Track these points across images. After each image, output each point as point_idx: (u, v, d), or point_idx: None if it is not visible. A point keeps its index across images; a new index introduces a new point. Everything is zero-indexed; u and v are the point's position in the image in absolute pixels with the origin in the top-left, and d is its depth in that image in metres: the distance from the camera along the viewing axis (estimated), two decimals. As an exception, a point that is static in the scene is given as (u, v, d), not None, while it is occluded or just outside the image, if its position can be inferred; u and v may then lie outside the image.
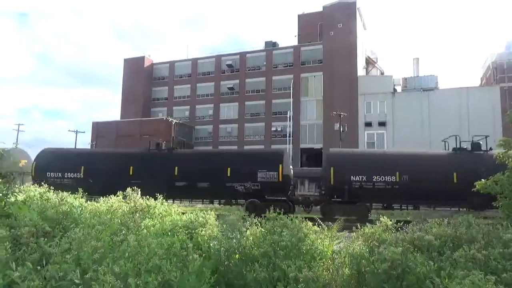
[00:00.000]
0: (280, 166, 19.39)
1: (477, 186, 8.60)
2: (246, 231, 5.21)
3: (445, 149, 20.79)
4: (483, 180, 8.50)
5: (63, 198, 6.85)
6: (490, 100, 41.51)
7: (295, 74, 51.29)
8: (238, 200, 20.23)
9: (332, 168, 18.79)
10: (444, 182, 17.22)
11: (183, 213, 7.15)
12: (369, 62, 55.95)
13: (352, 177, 18.37)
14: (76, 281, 3.29)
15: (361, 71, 50.06)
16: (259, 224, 5.53)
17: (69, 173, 21.60)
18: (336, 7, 49.23)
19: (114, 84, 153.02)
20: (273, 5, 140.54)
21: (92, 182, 20.19)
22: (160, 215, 6.93)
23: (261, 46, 57.51)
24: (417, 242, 4.61)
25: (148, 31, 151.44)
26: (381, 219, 5.38)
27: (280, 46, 55.62)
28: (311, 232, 5.22)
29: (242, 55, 55.34)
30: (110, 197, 7.99)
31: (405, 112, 43.72)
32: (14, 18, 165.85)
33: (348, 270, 4.26)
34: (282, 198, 19.37)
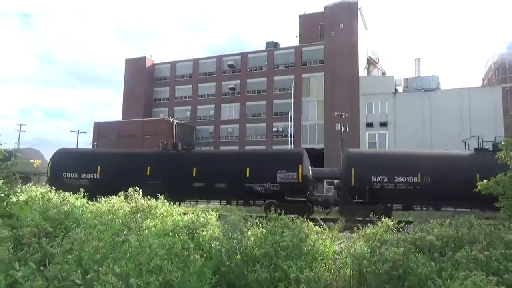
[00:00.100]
0: (300, 166, 19.18)
1: (479, 187, 8.58)
2: (247, 232, 5.21)
3: (463, 150, 20.77)
4: (484, 180, 8.48)
5: (64, 198, 6.86)
6: (492, 101, 41.42)
7: (296, 75, 51.29)
8: (256, 201, 19.95)
9: (352, 169, 18.58)
10: (467, 183, 17.04)
11: (184, 214, 7.16)
12: (371, 63, 55.90)
13: (373, 177, 18.21)
14: (78, 281, 3.29)
15: (362, 72, 50.02)
16: (260, 225, 5.53)
17: (85, 174, 21.37)
18: (338, 7, 49.22)
19: (116, 84, 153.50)
20: (274, 5, 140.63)
21: (109, 182, 20.08)
22: (161, 215, 6.93)
23: (263, 46, 57.60)
24: (419, 242, 4.60)
25: (149, 31, 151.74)
26: (382, 219, 5.37)
27: (281, 46, 55.63)
28: (312, 232, 5.22)
29: (244, 55, 55.37)
30: (112, 197, 7.99)
31: (407, 113, 43.66)
32: (17, 18, 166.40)
33: (350, 270, 4.26)
34: (302, 199, 19.14)
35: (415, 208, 18.84)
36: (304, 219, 5.74)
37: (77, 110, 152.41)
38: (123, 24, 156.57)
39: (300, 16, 56.52)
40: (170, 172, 20.34)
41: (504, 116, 39.60)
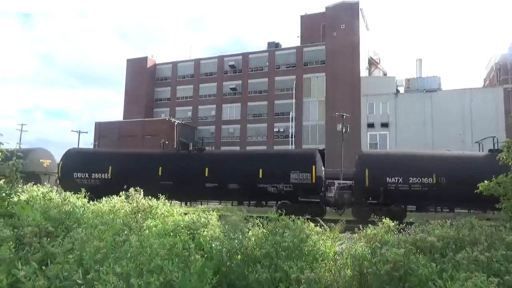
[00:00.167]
0: (314, 167, 19.07)
1: (480, 188, 8.57)
2: (248, 232, 5.21)
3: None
4: (486, 181, 8.47)
5: (65, 198, 6.87)
6: (494, 101, 41.36)
7: (297, 75, 51.30)
8: (269, 202, 19.85)
9: (366, 170, 18.43)
10: None
11: (185, 214, 7.17)
12: (372, 63, 55.88)
13: (387, 178, 18.08)
14: (79, 281, 3.30)
15: (363, 72, 50.01)
16: (261, 225, 5.53)
17: (96, 174, 21.28)
18: (339, 7, 49.22)
19: (117, 84, 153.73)
20: (275, 5, 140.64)
21: (121, 182, 20.17)
22: (162, 215, 6.94)
23: (264, 46, 57.65)
24: (420, 243, 4.60)
25: (150, 31, 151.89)
26: (383, 220, 5.37)
27: (282, 46, 55.66)
28: (313, 233, 5.22)
29: (245, 55, 55.41)
30: (113, 197, 8.00)
31: (408, 113, 43.62)
32: (18, 18, 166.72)
33: (350, 271, 4.25)
34: (316, 200, 19.05)
35: (428, 209, 18.64)
36: (305, 220, 5.73)
37: (78, 110, 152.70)
38: (124, 24, 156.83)
39: (302, 17, 56.54)
40: (182, 172, 20.22)
41: (505, 116, 39.55)
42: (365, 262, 4.13)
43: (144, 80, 58.61)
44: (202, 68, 57.81)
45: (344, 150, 34.91)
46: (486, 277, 3.32)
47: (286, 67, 52.74)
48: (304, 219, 5.63)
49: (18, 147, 6.75)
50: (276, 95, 52.22)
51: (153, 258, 3.76)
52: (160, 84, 59.92)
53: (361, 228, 5.23)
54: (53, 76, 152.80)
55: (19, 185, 6.34)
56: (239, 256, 4.66)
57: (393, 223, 5.22)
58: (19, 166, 6.13)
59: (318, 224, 5.70)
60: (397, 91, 47.33)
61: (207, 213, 6.30)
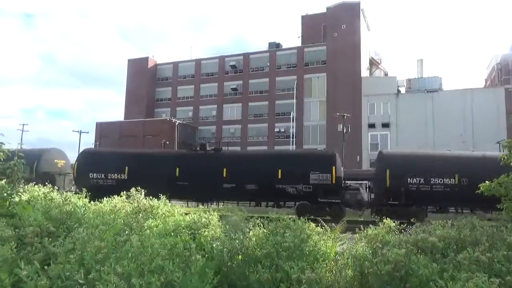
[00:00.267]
0: (334, 168, 18.86)
1: (481, 188, 8.55)
2: (249, 232, 5.21)
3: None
4: (487, 182, 8.45)
5: (67, 198, 6.88)
6: (495, 102, 41.34)
7: (298, 75, 51.31)
8: (287, 203, 19.62)
9: (388, 170, 18.22)
10: None
11: (186, 214, 7.17)
12: (373, 63, 55.87)
13: (409, 179, 17.91)
14: (80, 281, 3.31)
15: (364, 72, 50.00)
16: (262, 225, 5.53)
17: (112, 174, 21.02)
18: (340, 8, 49.23)
19: (118, 84, 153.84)
20: (276, 6, 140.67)
21: (137, 183, 20.00)
22: (163, 215, 6.94)
23: (265, 47, 57.72)
24: (421, 244, 4.59)
25: (152, 32, 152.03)
26: (384, 220, 5.36)
27: (283, 47, 55.70)
28: (314, 233, 5.21)
29: (246, 56, 55.45)
30: (114, 197, 8.00)
31: (409, 113, 43.61)
32: (20, 18, 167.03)
33: (351, 271, 4.25)
34: (337, 200, 18.84)
35: (449, 210, 18.39)
36: (305, 220, 5.72)
37: (79, 110, 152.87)
38: (126, 25, 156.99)
39: (303, 17, 56.56)
40: (199, 173, 20.00)
41: (506, 117, 39.51)
42: (366, 262, 4.12)
43: (145, 80, 58.68)
44: (203, 68, 57.86)
45: (345, 151, 34.92)
46: (487, 277, 3.32)
47: (287, 67, 52.75)
48: (305, 219, 5.63)
49: (20, 147, 6.75)
50: (277, 95, 52.23)
51: (154, 258, 3.76)
52: (161, 84, 59.98)
53: (362, 228, 5.23)
54: (55, 76, 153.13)
55: (20, 185, 6.35)
56: (240, 256, 4.66)
57: (394, 223, 5.20)
58: (20, 166, 6.14)
59: (319, 225, 5.70)
60: (398, 91, 47.31)
61: (208, 213, 6.31)
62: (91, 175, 21.21)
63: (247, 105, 53.72)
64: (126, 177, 20.75)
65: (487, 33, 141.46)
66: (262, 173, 19.53)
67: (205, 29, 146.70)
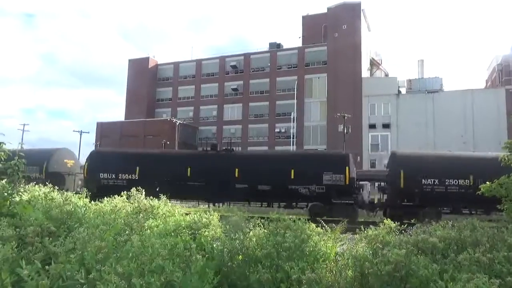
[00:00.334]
0: (347, 168, 18.79)
1: (482, 189, 8.56)
2: (249, 232, 5.21)
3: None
4: (488, 182, 8.45)
5: (67, 198, 6.89)
6: (495, 102, 41.34)
7: (299, 75, 51.32)
8: (299, 203, 19.53)
9: (402, 171, 18.10)
10: None
11: (186, 214, 7.17)
12: (374, 64, 55.87)
13: (423, 180, 17.82)
14: (81, 280, 3.31)
15: (365, 73, 50.00)
16: (262, 225, 5.53)
17: (123, 174, 20.98)
18: (341, 8, 49.24)
19: (119, 84, 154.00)
20: (277, 6, 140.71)
21: (148, 183, 19.83)
22: (164, 215, 6.95)
23: (265, 47, 57.76)
24: (421, 244, 4.59)
25: (152, 32, 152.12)
26: (384, 221, 5.36)
27: (284, 47, 55.72)
28: (314, 233, 5.21)
29: (246, 56, 55.48)
30: (114, 197, 8.01)
31: (410, 114, 43.60)
32: (21, 18, 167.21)
33: (351, 272, 4.25)
34: (350, 201, 18.74)
35: (463, 212, 18.22)
36: (306, 220, 5.72)
37: (80, 110, 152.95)
38: (126, 25, 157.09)
39: (303, 17, 56.57)
40: (211, 173, 19.96)
41: (507, 117, 39.49)
42: (366, 263, 4.12)
43: (145, 80, 58.72)
44: (203, 69, 57.90)
45: (345, 151, 34.84)
46: (488, 278, 3.32)
47: (288, 68, 52.77)
48: (305, 220, 5.63)
49: (21, 147, 6.76)
50: (277, 95, 52.25)
51: (155, 258, 3.76)
52: (162, 84, 60.03)
53: (363, 229, 5.23)
54: (55, 76, 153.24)
55: (21, 185, 6.36)
56: (240, 256, 4.66)
57: (394, 224, 5.20)
58: (21, 166, 6.15)
59: (320, 225, 5.70)
60: (399, 91, 47.31)
61: (209, 214, 6.31)
62: (101, 175, 21.21)
63: (248, 105, 53.74)
64: (137, 178, 20.68)
65: (488, 34, 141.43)
66: (275, 174, 19.39)
67: (206, 29, 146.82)
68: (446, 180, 17.71)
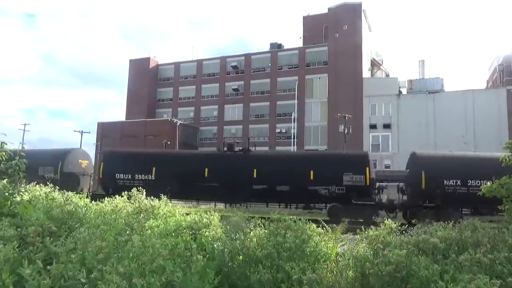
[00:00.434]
0: (367, 169, 18.69)
1: (482, 190, 8.55)
2: (250, 233, 5.21)
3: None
4: (488, 183, 8.44)
5: (68, 198, 6.90)
6: (496, 102, 41.29)
7: (300, 76, 51.30)
8: (316, 205, 19.39)
9: (423, 172, 17.97)
10: None
11: (187, 214, 7.17)
12: (374, 64, 55.83)
13: (445, 181, 17.71)
14: (82, 280, 3.31)
15: (366, 73, 49.96)
16: (263, 226, 5.53)
17: (139, 175, 20.89)
18: (342, 8, 49.21)
19: (119, 84, 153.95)
20: (278, 6, 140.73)
21: (165, 184, 19.61)
22: (164, 215, 6.95)
23: (266, 47, 57.73)
24: (422, 245, 4.59)
25: (153, 32, 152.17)
26: (385, 221, 5.36)
27: (285, 47, 55.69)
28: (315, 234, 5.21)
29: (247, 56, 55.48)
30: (115, 197, 8.03)
31: (410, 114, 43.55)
32: (21, 18, 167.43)
33: (352, 272, 4.25)
34: (371, 202, 18.61)
35: (484, 213, 18.24)
36: (306, 221, 5.72)
37: (80, 110, 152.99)
38: (127, 25, 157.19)
39: (304, 18, 56.55)
40: (229, 173, 19.81)
41: (508, 117, 39.43)
42: (367, 263, 4.12)
43: (146, 80, 58.75)
44: (204, 69, 57.91)
45: (346, 151, 34.82)
46: (489, 279, 3.32)
47: (289, 68, 52.76)
48: (306, 220, 5.63)
49: (22, 147, 6.76)
50: (278, 96, 52.24)
51: (155, 258, 3.77)
52: (163, 84, 60.05)
53: (363, 229, 5.22)
54: (55, 76, 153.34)
55: (22, 185, 6.36)
56: (240, 256, 4.66)
57: (395, 224, 5.20)
58: (22, 166, 6.15)
59: (320, 225, 5.70)
60: (400, 92, 47.27)
61: (209, 214, 6.32)
62: (117, 176, 21.12)
63: (249, 105, 53.74)
64: (154, 178, 20.61)
65: (489, 34, 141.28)
66: (294, 174, 19.24)
67: (207, 29, 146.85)
68: (469, 181, 17.54)
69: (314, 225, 5.48)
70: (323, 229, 5.53)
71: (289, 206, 19.60)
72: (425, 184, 17.86)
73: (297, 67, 52.03)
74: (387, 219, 5.23)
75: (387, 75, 56.64)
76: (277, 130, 51.09)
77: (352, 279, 4.15)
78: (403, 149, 41.40)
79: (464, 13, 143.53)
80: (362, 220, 16.08)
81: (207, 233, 5.49)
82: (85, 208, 6.52)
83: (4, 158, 6.16)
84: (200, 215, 6.32)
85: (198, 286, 3.56)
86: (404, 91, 48.24)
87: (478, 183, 17.51)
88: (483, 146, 35.04)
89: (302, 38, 55.43)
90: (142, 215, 6.54)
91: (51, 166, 23.32)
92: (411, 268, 3.82)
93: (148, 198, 7.66)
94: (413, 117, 43.17)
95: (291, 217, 5.63)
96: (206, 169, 20.09)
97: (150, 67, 59.60)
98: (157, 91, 60.02)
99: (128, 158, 22.76)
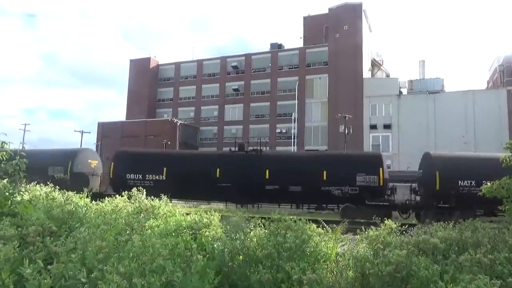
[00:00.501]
0: (381, 169, 18.58)
1: (483, 190, 8.54)
2: (250, 233, 5.21)
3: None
4: (488, 183, 8.44)
5: (68, 198, 6.90)
6: (497, 103, 41.26)
7: (300, 76, 51.30)
8: (329, 205, 19.32)
9: (437, 172, 17.85)
10: None
11: (187, 214, 7.17)
12: (375, 64, 55.82)
13: (460, 181, 17.59)
14: (83, 279, 3.32)
15: (366, 73, 49.94)
16: (263, 226, 5.53)
17: (150, 175, 20.76)
18: (342, 9, 49.21)
19: (120, 84, 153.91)
20: (278, 6, 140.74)
21: (176, 184, 19.32)
22: (165, 215, 6.95)
23: (267, 47, 57.71)
24: (422, 245, 4.59)
25: (153, 32, 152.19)
26: (385, 221, 5.36)
27: (285, 47, 55.69)
28: (315, 234, 5.21)
29: (248, 56, 55.48)
30: (116, 197, 8.03)
31: (411, 115, 43.54)
32: (22, 18, 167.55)
33: (352, 272, 4.25)
34: (385, 203, 18.53)
35: (498, 214, 18.22)
36: (306, 221, 5.72)
37: (80, 110, 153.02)
38: (127, 25, 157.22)
39: (304, 18, 56.55)
40: (241, 174, 19.71)
41: (509, 118, 39.42)
42: (367, 263, 4.12)
43: (147, 80, 58.76)
44: (204, 69, 57.92)
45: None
46: (489, 279, 3.32)
47: (289, 68, 52.76)
48: (306, 220, 5.63)
49: (22, 147, 6.77)
50: (278, 96, 52.24)
51: (155, 258, 3.77)
52: (163, 84, 60.06)
53: (363, 230, 5.22)
54: (56, 76, 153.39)
55: (22, 185, 6.37)
56: (241, 256, 4.66)
57: (395, 225, 5.20)
58: (22, 165, 6.16)
59: (320, 225, 5.70)
60: (400, 92, 47.26)
61: (209, 214, 6.32)
62: (128, 176, 21.01)
63: (249, 105, 53.75)
64: (165, 178, 20.47)
65: (489, 35, 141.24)
66: (307, 175, 19.13)
67: (207, 29, 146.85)
68: (483, 182, 17.57)
69: (314, 225, 5.48)
70: (323, 229, 5.53)
71: (301, 207, 19.52)
72: (439, 184, 17.74)
73: (297, 67, 52.03)
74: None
75: (388, 76, 56.63)
76: (277, 130, 51.09)
77: (352, 279, 4.15)
78: (404, 150, 41.44)
79: (465, 13, 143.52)
80: (377, 221, 16.03)
81: (207, 233, 5.49)
82: (85, 208, 6.52)
83: (4, 158, 6.17)
84: (200, 215, 6.32)
85: (198, 286, 3.56)
86: (404, 91, 48.23)
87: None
88: (484, 146, 35.04)
89: (302, 38, 55.44)
90: (142, 215, 6.54)
91: (61, 166, 23.26)
92: (411, 268, 3.82)
93: (149, 198, 7.67)
94: (414, 117, 43.15)
95: (291, 217, 5.63)
96: (218, 170, 19.98)
97: (151, 67, 59.62)
98: (157, 91, 60.03)
99: (139, 158, 22.63)
